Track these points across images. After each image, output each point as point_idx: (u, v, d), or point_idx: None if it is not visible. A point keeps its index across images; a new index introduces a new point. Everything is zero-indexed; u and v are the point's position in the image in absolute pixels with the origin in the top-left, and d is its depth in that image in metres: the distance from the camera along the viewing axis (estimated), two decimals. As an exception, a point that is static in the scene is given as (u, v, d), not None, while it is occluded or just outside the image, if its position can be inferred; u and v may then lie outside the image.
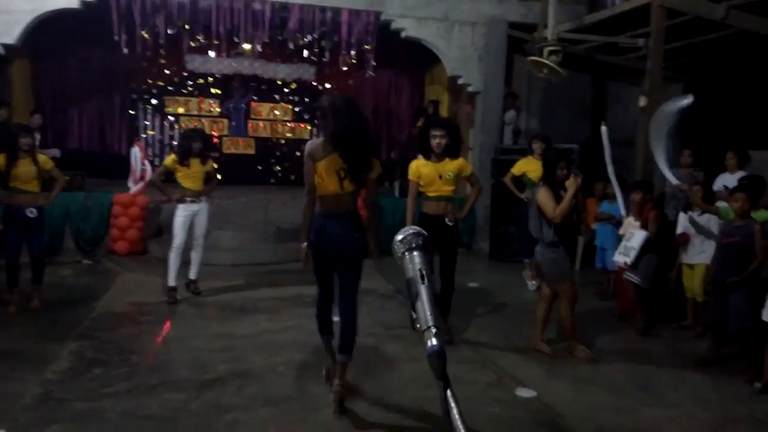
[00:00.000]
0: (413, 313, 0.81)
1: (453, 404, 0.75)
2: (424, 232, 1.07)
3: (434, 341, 0.79)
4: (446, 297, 4.53)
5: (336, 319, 3.51)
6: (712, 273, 4.52)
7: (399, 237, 1.01)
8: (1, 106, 7.74)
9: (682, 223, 5.27)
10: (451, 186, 4.62)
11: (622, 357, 4.54)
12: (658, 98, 6.36)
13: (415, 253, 0.91)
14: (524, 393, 3.75)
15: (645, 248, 5.03)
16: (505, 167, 7.06)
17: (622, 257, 5.16)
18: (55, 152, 8.39)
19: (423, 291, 0.82)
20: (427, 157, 4.63)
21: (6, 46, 7.50)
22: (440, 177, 4.55)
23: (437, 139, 4.53)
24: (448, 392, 0.76)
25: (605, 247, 6.31)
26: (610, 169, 5.45)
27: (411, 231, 1.07)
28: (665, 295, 5.60)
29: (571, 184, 4.25)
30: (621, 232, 5.41)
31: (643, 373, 4.24)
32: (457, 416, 0.74)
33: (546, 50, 7.36)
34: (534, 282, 6.48)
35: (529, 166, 6.43)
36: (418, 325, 0.80)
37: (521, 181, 6.59)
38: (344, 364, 3.39)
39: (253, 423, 3.24)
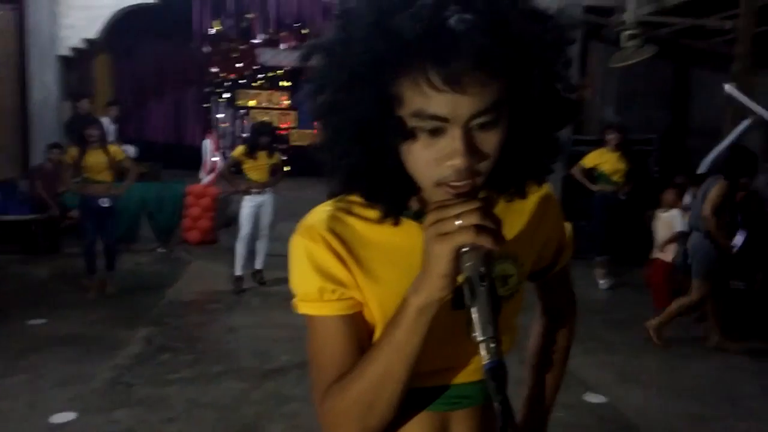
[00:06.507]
0: (473, 317, 0.68)
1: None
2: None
3: (492, 355, 0.67)
4: None
5: None
6: None
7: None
8: (83, 99, 8.10)
9: None
10: None
11: (703, 361, 4.23)
12: (747, 85, 5.88)
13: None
14: (593, 398, 3.55)
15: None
16: (576, 159, 6.65)
17: None
18: (131, 150, 8.63)
19: (481, 294, 0.68)
20: None
21: (88, 41, 7.87)
22: None
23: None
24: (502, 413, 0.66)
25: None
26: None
27: None
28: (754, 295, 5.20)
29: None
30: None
31: (726, 379, 3.93)
32: None
33: (624, 35, 6.97)
34: (605, 281, 6.17)
35: (603, 159, 6.05)
36: (474, 334, 0.68)
37: (592, 174, 6.23)
38: None
39: (312, 414, 3.19)
